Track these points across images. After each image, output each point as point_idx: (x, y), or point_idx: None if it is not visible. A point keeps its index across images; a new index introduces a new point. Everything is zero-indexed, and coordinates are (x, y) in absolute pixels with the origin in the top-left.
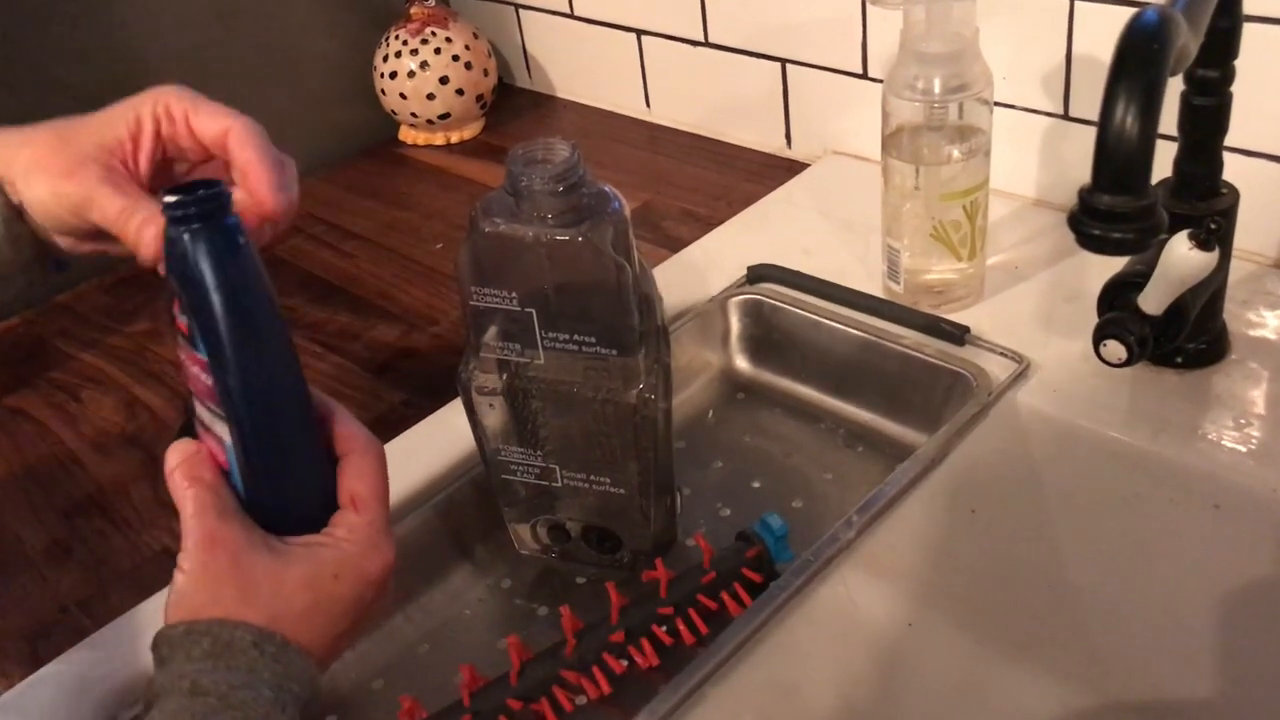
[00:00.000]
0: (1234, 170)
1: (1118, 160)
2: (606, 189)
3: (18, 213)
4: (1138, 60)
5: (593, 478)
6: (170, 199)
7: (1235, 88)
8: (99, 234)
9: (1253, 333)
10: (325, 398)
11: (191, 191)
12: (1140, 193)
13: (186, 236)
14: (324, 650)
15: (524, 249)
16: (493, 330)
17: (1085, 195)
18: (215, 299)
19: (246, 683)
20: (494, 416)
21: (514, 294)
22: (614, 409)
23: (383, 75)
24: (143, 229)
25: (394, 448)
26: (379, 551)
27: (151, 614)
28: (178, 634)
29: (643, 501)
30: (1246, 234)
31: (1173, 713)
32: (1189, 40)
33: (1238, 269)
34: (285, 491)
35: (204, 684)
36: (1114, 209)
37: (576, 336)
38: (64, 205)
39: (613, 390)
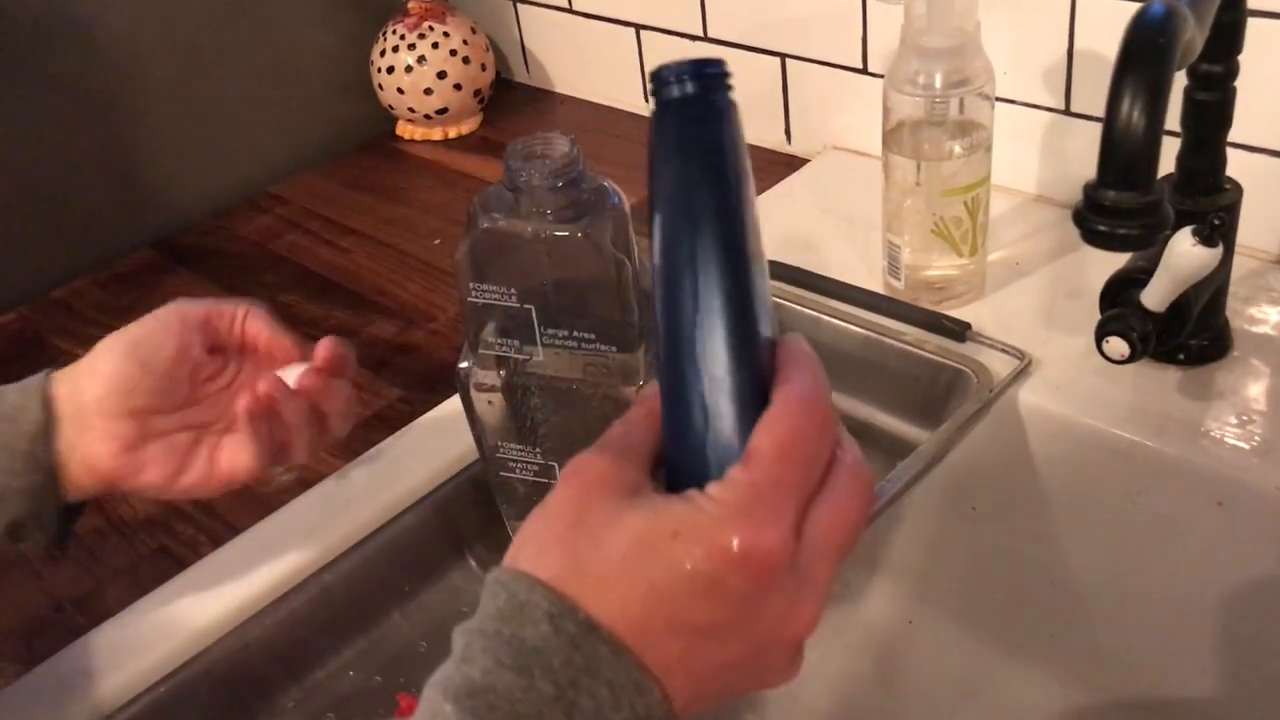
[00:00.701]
0: (1236, 166)
1: (1124, 155)
2: (606, 184)
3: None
4: (1144, 54)
5: None
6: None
7: (1238, 83)
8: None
9: (1255, 329)
10: (794, 339)
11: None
12: (1146, 188)
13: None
14: (653, 646)
15: (523, 245)
16: (491, 326)
17: (1090, 191)
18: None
19: (520, 665)
20: (492, 413)
21: (513, 290)
22: (613, 406)
23: (380, 70)
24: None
25: (391, 445)
26: (751, 522)
27: (146, 612)
28: (491, 576)
29: None
30: (1249, 230)
31: (1175, 710)
32: (1195, 34)
33: (1240, 265)
34: (688, 435)
35: (474, 651)
36: (1120, 204)
37: (576, 333)
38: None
39: (612, 387)
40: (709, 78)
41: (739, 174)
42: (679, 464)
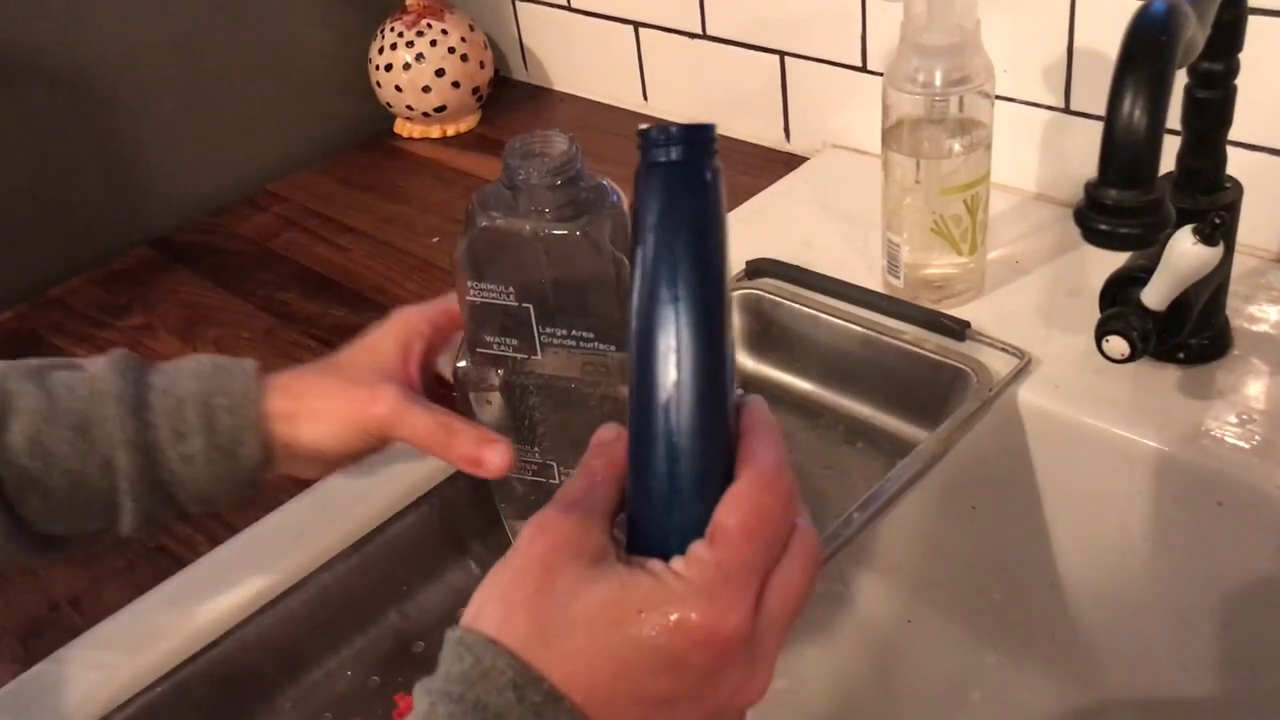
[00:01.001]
0: (1236, 164)
1: (1126, 154)
2: (605, 183)
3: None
4: (1146, 52)
5: None
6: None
7: (1238, 81)
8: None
9: (1255, 328)
10: (756, 404)
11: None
12: (1148, 187)
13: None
14: (613, 717)
15: (521, 244)
16: (490, 326)
17: (1092, 189)
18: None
19: None
20: (491, 413)
21: (511, 289)
22: (612, 405)
23: (378, 68)
24: (465, 445)
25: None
26: (715, 605)
27: (144, 612)
28: (455, 637)
29: None
30: (1249, 228)
31: (1174, 710)
32: (1196, 32)
33: (1240, 264)
34: (652, 500)
35: (438, 715)
36: (1121, 203)
37: (574, 332)
38: (358, 432)
39: (611, 386)
40: (698, 145)
41: (721, 246)
42: (642, 527)
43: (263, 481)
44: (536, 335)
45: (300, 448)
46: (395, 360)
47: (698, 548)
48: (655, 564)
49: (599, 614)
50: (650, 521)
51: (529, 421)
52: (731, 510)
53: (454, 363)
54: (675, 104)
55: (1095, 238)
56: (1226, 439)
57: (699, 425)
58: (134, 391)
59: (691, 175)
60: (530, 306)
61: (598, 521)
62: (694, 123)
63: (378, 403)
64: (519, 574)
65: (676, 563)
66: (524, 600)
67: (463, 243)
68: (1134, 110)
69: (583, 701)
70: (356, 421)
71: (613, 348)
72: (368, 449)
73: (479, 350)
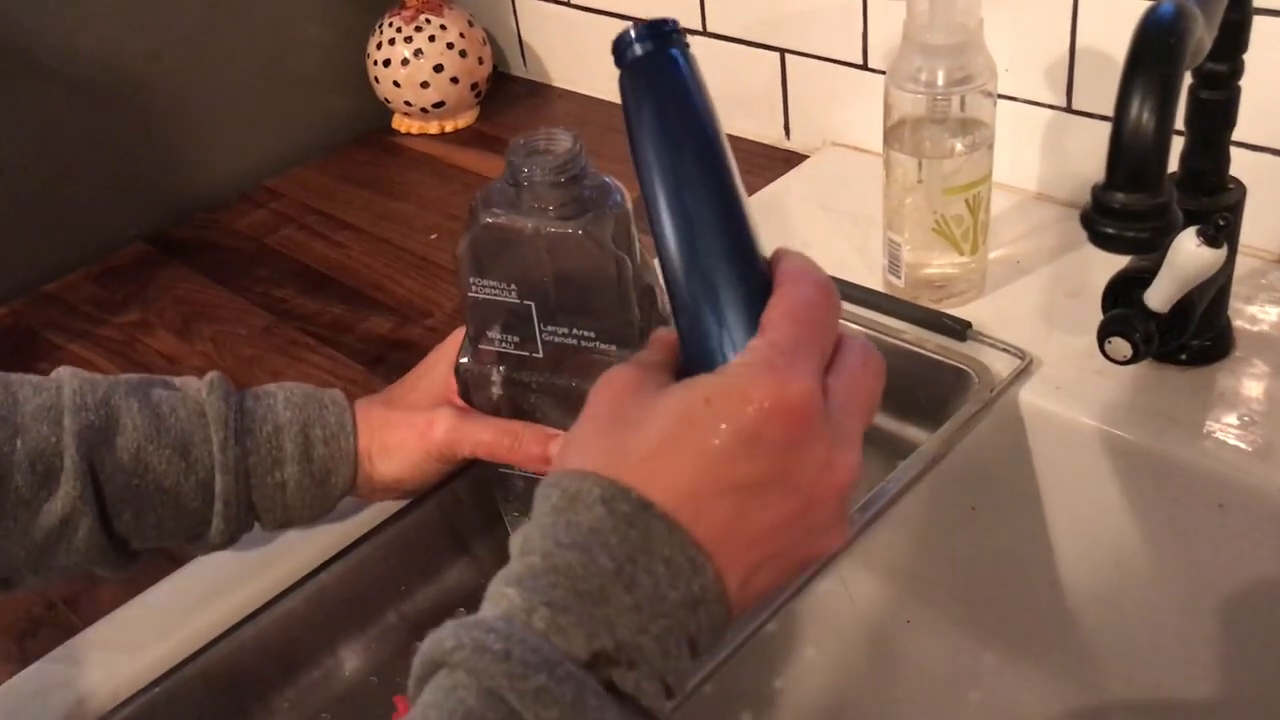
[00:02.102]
0: (1239, 165)
1: (1133, 157)
2: (608, 181)
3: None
4: (1154, 54)
5: None
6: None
7: (1242, 82)
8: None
9: (1257, 329)
10: (789, 252)
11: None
12: (1156, 190)
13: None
14: (704, 515)
15: (524, 241)
16: (491, 323)
17: (1099, 193)
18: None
19: (579, 543)
20: (492, 410)
21: (513, 286)
22: None
23: (376, 63)
24: (531, 446)
25: None
26: (777, 376)
27: (140, 612)
28: (543, 482)
29: None
30: (1251, 229)
31: (1174, 712)
32: (1204, 34)
33: (1242, 265)
34: (705, 342)
35: (533, 541)
36: (1129, 207)
37: (576, 330)
38: (426, 459)
39: None
40: (664, 35)
41: (708, 106)
42: (696, 361)
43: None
44: (538, 333)
45: (379, 480)
46: (449, 382)
47: (752, 342)
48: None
49: (669, 419)
50: (705, 362)
51: (530, 419)
52: (776, 305)
53: (456, 359)
54: None
55: (1102, 241)
56: (1228, 441)
57: (731, 255)
58: (235, 416)
59: (661, 61)
60: (532, 304)
61: (659, 369)
62: (657, 17)
63: (434, 426)
64: (589, 419)
65: (734, 359)
66: (598, 430)
67: (465, 239)
68: (1142, 113)
69: (671, 504)
70: (421, 448)
71: (614, 346)
72: (441, 471)
73: (481, 347)
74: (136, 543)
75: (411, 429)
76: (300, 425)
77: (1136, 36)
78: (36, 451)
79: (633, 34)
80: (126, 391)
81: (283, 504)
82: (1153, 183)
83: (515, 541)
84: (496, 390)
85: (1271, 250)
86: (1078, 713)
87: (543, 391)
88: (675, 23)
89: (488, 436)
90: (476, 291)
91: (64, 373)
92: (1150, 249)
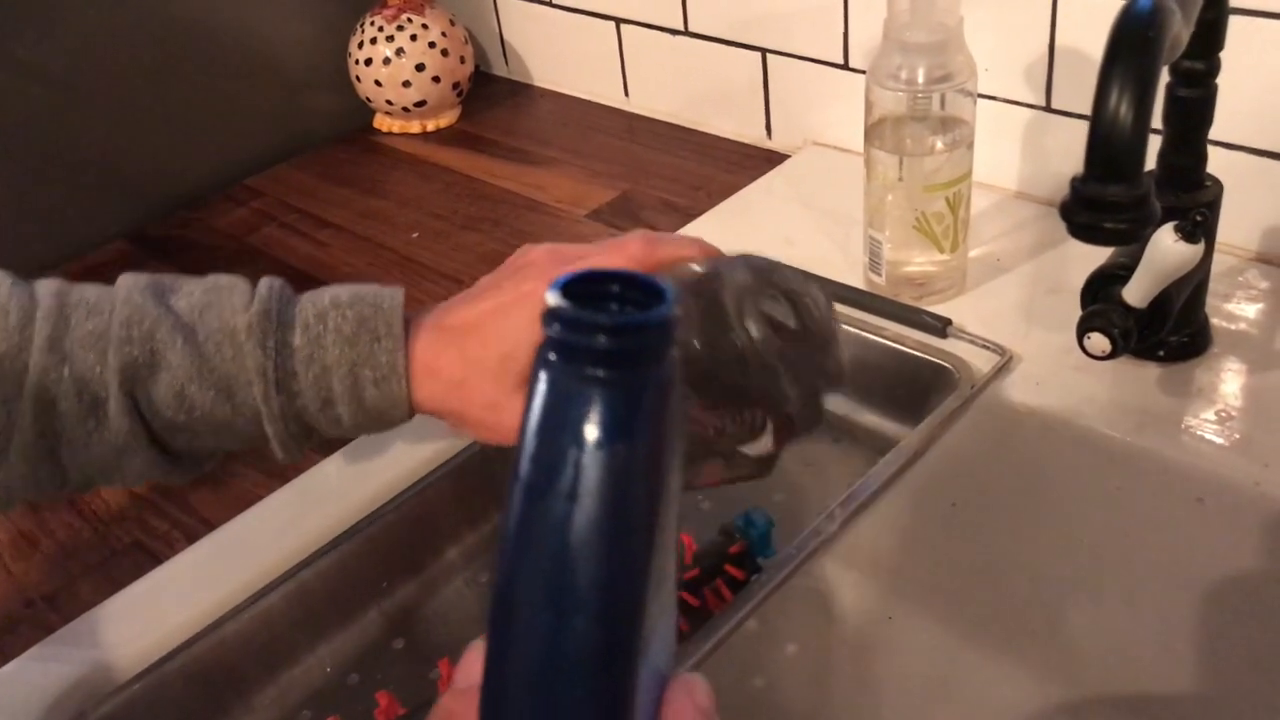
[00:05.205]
0: (1216, 164)
1: (1111, 148)
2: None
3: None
4: (1132, 47)
5: None
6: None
7: (1218, 80)
8: None
9: (1234, 326)
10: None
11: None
12: (1134, 182)
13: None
14: None
15: None
16: None
17: (1077, 184)
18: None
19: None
20: None
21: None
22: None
23: (358, 62)
24: None
25: (368, 440)
26: None
27: (120, 609)
28: None
29: None
30: (1227, 227)
31: (1154, 706)
32: (1181, 29)
33: (1219, 262)
34: None
35: None
36: (1107, 198)
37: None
38: (487, 436)
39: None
40: (650, 330)
41: (669, 501)
42: None
43: None
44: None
45: (440, 419)
46: (528, 352)
47: None
48: None
49: None
50: None
51: None
52: None
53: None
54: (656, 101)
55: (1080, 233)
56: (1206, 436)
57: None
58: (275, 363)
59: (632, 389)
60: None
61: None
62: (645, 278)
63: (504, 417)
64: None
65: None
66: None
67: None
68: (1120, 104)
69: None
70: (483, 433)
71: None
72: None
73: None
74: (201, 457)
75: (480, 410)
76: (349, 365)
77: (1115, 29)
78: (83, 380)
79: (588, 319)
80: (173, 326)
81: (340, 432)
82: (1130, 173)
83: None
84: None
85: (1249, 248)
86: (1058, 707)
87: None
88: (667, 296)
89: None
90: None
91: (121, 289)
92: (1128, 241)
